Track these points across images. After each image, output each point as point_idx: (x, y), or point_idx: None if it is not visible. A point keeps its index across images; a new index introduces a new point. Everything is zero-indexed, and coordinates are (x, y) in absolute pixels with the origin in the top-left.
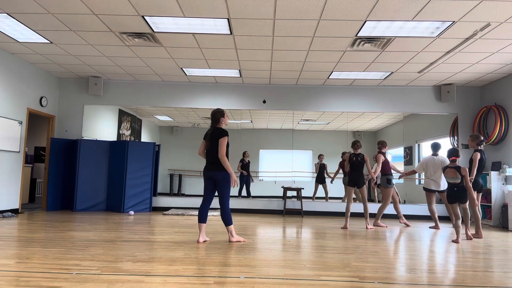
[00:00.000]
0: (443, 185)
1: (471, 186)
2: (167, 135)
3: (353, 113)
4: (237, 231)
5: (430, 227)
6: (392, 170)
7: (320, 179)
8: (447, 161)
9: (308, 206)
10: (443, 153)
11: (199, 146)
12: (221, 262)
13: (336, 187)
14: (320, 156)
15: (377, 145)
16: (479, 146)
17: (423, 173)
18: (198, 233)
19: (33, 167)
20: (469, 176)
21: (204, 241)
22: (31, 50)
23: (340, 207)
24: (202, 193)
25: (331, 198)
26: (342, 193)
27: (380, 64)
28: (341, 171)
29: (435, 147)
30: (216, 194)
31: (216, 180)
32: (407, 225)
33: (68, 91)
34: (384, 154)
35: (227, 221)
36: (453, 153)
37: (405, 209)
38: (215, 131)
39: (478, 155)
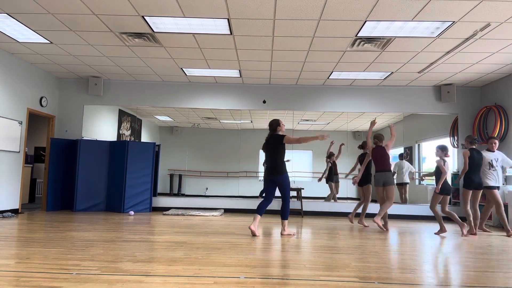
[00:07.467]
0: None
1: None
2: (167, 135)
3: (353, 113)
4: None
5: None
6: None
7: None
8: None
9: (308, 206)
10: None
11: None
12: (221, 262)
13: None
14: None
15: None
16: (472, 145)
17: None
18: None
19: (33, 167)
20: (461, 173)
21: (254, 235)
22: (31, 50)
23: (340, 207)
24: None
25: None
26: (343, 194)
27: (380, 64)
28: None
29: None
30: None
31: (277, 182)
32: (365, 226)
33: (68, 91)
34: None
35: (284, 216)
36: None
37: (405, 209)
38: (273, 138)
39: (468, 153)
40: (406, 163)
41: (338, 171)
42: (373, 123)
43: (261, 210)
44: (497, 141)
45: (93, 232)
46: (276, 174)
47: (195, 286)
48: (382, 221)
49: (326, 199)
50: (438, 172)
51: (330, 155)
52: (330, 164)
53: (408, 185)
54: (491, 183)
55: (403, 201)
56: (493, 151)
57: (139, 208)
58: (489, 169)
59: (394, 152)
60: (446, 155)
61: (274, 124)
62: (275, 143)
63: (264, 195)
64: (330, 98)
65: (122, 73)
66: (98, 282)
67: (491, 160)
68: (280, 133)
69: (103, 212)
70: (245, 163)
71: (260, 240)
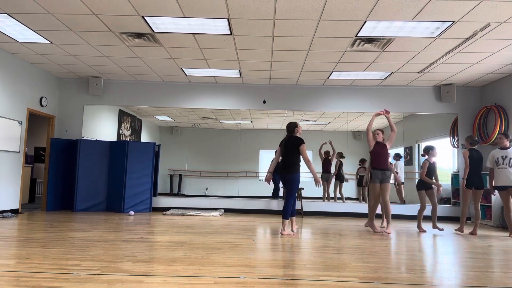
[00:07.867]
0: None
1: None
2: (167, 135)
3: (353, 113)
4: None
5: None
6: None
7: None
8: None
9: (308, 206)
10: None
11: (276, 152)
12: (221, 262)
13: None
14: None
15: None
16: (472, 145)
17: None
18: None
19: (33, 167)
20: (464, 173)
21: (288, 234)
22: (31, 50)
23: (340, 207)
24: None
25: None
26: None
27: (380, 64)
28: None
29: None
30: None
31: (287, 179)
32: (365, 226)
33: (68, 91)
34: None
35: (285, 215)
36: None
37: (405, 209)
38: (291, 139)
39: (468, 153)
40: (401, 164)
41: (328, 171)
42: (376, 114)
43: (292, 211)
44: (503, 136)
45: (93, 232)
46: (288, 173)
47: (195, 286)
48: (375, 223)
49: (332, 198)
50: (431, 172)
51: (341, 155)
52: (339, 163)
53: (402, 185)
54: (497, 183)
55: (401, 201)
56: (505, 147)
57: (139, 208)
58: (497, 168)
59: (392, 152)
60: (434, 155)
61: (292, 126)
62: (293, 145)
63: (280, 194)
64: (330, 98)
65: (122, 73)
66: (98, 282)
67: (497, 158)
68: (298, 135)
69: (103, 212)
70: (245, 163)
71: (260, 240)
